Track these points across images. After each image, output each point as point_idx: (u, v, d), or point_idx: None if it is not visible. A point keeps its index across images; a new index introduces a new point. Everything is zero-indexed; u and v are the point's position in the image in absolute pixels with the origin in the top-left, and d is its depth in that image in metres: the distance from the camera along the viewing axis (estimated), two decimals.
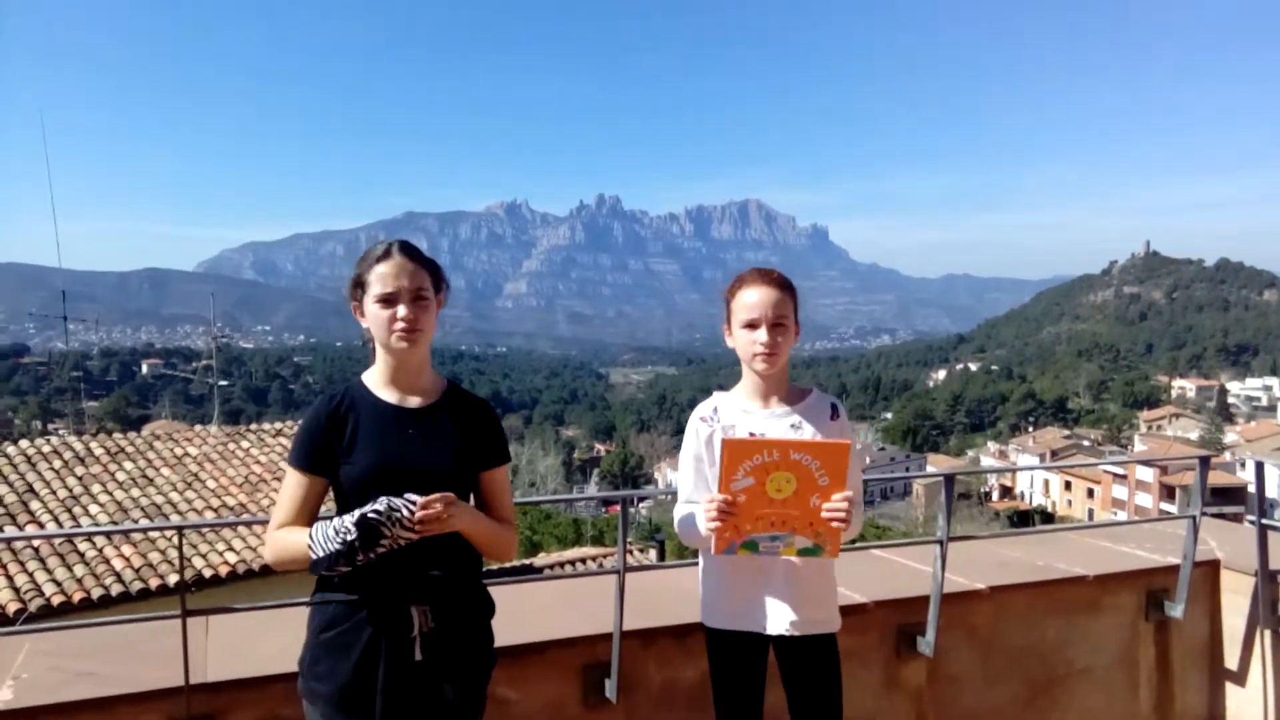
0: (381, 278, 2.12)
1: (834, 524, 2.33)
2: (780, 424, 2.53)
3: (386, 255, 2.14)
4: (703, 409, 2.63)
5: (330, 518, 2.08)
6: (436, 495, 2.00)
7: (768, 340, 2.46)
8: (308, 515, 2.17)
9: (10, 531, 10.93)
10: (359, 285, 2.16)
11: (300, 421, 2.25)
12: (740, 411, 2.58)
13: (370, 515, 1.96)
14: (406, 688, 2.10)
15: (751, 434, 2.49)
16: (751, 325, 2.49)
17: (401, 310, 2.11)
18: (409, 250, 2.17)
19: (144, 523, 11.46)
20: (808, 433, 2.50)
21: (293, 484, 2.17)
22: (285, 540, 2.13)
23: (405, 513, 1.98)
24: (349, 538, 1.96)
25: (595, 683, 3.16)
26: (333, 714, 2.11)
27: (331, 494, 2.21)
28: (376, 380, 2.22)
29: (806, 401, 2.58)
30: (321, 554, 2.00)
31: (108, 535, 11.09)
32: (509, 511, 2.32)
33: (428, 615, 2.11)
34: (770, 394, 2.56)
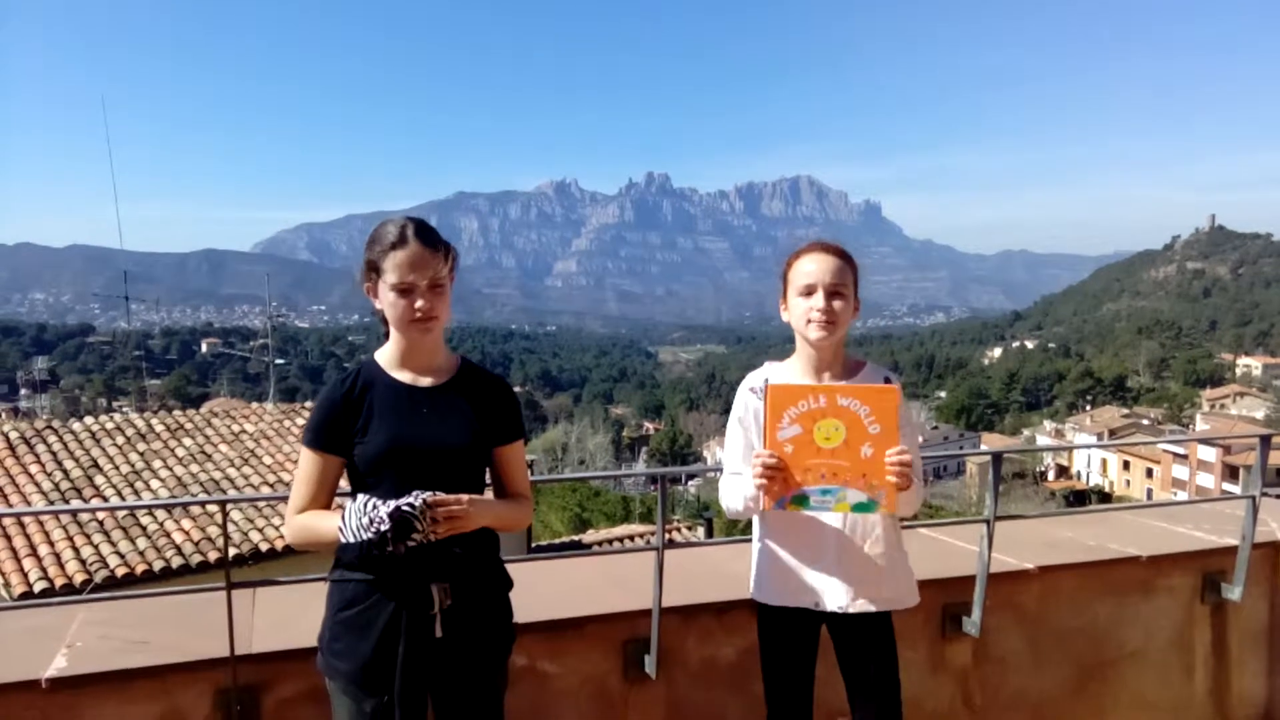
0: (398, 267, 2.08)
1: (890, 477, 2.24)
2: None
3: (401, 242, 2.08)
4: (752, 379, 2.57)
5: (354, 496, 2.07)
6: (454, 497, 2.01)
7: (824, 305, 2.38)
8: (326, 495, 2.18)
9: (76, 504, 11.30)
10: (373, 269, 2.13)
11: (314, 402, 2.27)
12: (791, 381, 2.49)
13: (405, 509, 1.97)
14: (426, 664, 2.12)
15: None
16: (808, 291, 2.41)
17: (420, 302, 2.10)
18: (423, 235, 2.11)
19: (193, 497, 11.74)
20: None
21: (309, 464, 2.17)
22: (311, 524, 2.14)
23: (441, 510, 2.00)
24: (383, 528, 1.96)
25: (635, 658, 3.17)
26: (354, 691, 2.13)
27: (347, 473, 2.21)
28: (389, 360, 2.22)
29: (860, 374, 2.50)
30: (353, 539, 2.01)
31: (169, 510, 11.41)
32: (523, 486, 2.33)
33: (447, 592, 2.12)
34: (824, 367, 2.48)
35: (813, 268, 2.41)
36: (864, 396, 2.26)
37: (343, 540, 2.03)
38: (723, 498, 2.56)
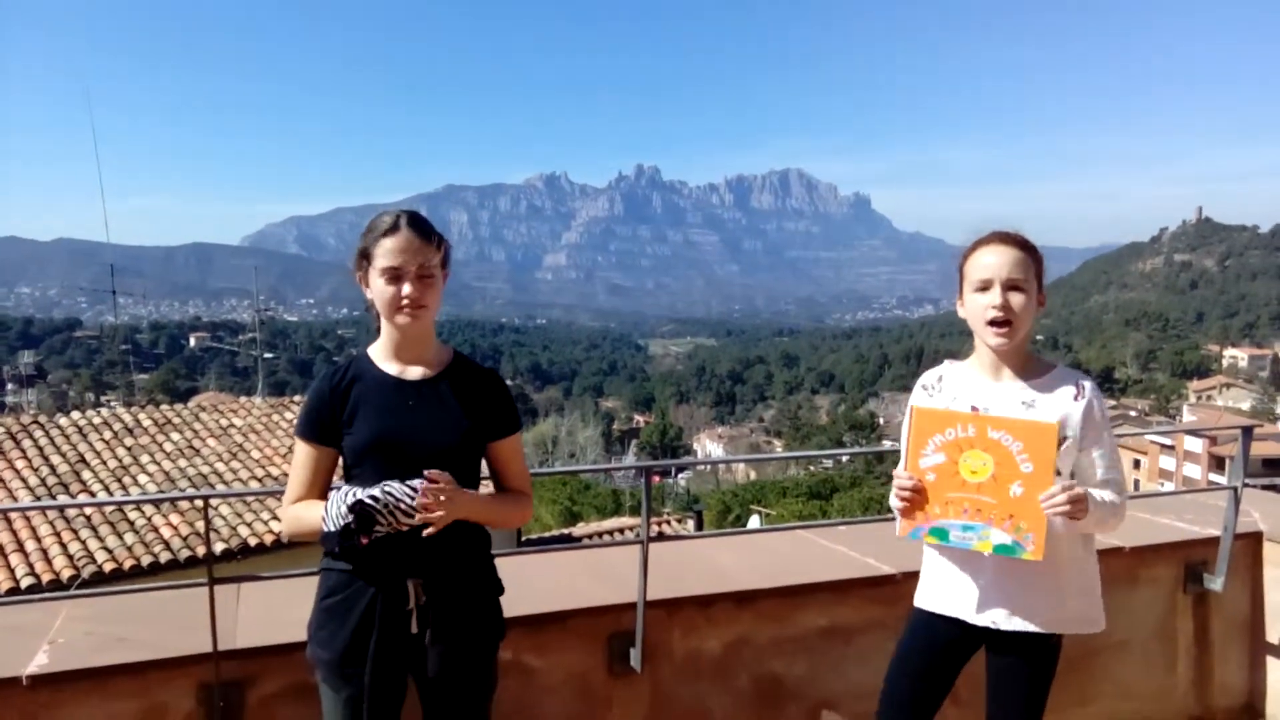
0: (388, 253, 2.10)
1: (1054, 517, 2.08)
2: (1010, 399, 2.25)
3: (394, 229, 2.11)
4: (927, 377, 2.43)
5: (339, 488, 2.09)
6: (435, 486, 2.00)
7: (1001, 302, 2.19)
8: (320, 486, 2.19)
9: (63, 500, 11.24)
10: (365, 257, 2.14)
11: (306, 394, 2.28)
12: (967, 382, 2.34)
13: (366, 501, 1.98)
14: (398, 659, 2.12)
15: (974, 408, 2.24)
16: (984, 287, 2.22)
17: (407, 288, 2.10)
18: (416, 224, 2.13)
19: (174, 492, 11.69)
20: (1042, 412, 2.21)
21: (302, 456, 2.20)
22: (300, 514, 2.17)
23: (407, 502, 1.99)
24: (347, 520, 1.98)
25: (620, 652, 3.17)
26: (332, 679, 2.15)
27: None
28: (380, 353, 2.22)
29: (1047, 377, 2.28)
30: (332, 528, 2.02)
31: (156, 505, 11.36)
32: (522, 480, 2.32)
33: (421, 588, 2.12)
34: (1003, 368, 2.29)
35: (991, 260, 2.23)
36: (1018, 431, 2.11)
37: (324, 529, 2.04)
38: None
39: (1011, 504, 2.11)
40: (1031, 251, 2.26)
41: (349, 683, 2.11)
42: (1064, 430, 2.19)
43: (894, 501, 2.26)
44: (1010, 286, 2.21)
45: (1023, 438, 2.11)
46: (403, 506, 1.99)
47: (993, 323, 2.22)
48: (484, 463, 2.29)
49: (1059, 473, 2.18)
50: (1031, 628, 2.27)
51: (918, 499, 2.19)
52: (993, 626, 2.29)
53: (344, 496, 2.02)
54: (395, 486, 2.00)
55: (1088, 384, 2.28)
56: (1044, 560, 2.20)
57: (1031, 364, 2.31)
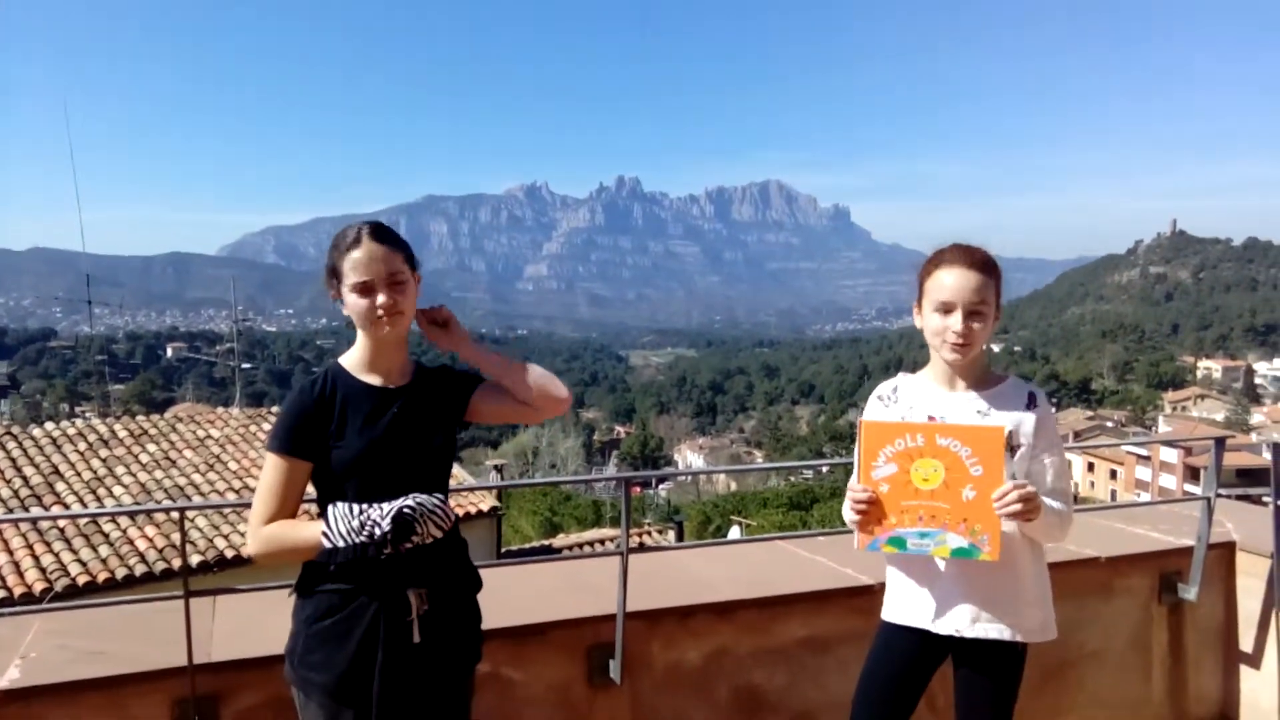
0: (356, 266, 2.09)
1: (1005, 520, 2.13)
2: (965, 409, 2.31)
3: (357, 242, 2.10)
4: (883, 388, 2.47)
5: (333, 502, 2.07)
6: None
7: (962, 329, 2.23)
8: (294, 503, 2.14)
9: (36, 512, 11.10)
10: (334, 274, 2.14)
11: (281, 407, 2.25)
12: (922, 392, 2.39)
13: (405, 510, 1.99)
14: (404, 671, 2.10)
15: (930, 418, 2.30)
16: (946, 309, 2.26)
17: (381, 298, 2.09)
18: (379, 234, 2.13)
19: (152, 504, 11.57)
20: (995, 421, 2.25)
21: (277, 471, 2.11)
22: (283, 534, 2.08)
23: (439, 513, 2.03)
24: (380, 530, 1.97)
25: (600, 664, 3.16)
26: (329, 704, 2.08)
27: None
28: (356, 363, 2.21)
29: (1000, 387, 2.34)
30: (344, 544, 1.99)
31: (131, 516, 11.24)
32: (524, 370, 2.27)
33: (424, 597, 2.10)
34: (957, 380, 2.34)
35: (953, 283, 2.25)
36: (965, 437, 2.16)
37: (328, 545, 2.00)
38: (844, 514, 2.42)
39: (965, 508, 2.16)
40: (992, 270, 2.29)
41: (350, 704, 2.06)
42: (1017, 438, 2.25)
43: (849, 515, 2.30)
44: (971, 312, 2.25)
45: (971, 442, 2.16)
46: (435, 518, 2.02)
47: (950, 345, 2.27)
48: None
49: (1014, 477, 2.22)
50: (994, 635, 2.31)
51: (873, 510, 2.22)
52: (956, 635, 2.33)
53: (356, 511, 2.00)
54: (424, 498, 2.03)
55: (1039, 395, 2.34)
56: (1004, 569, 2.26)
57: (985, 375, 2.36)
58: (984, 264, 2.28)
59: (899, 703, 2.43)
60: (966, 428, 2.20)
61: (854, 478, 2.32)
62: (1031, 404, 2.31)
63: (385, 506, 2.00)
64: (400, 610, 2.08)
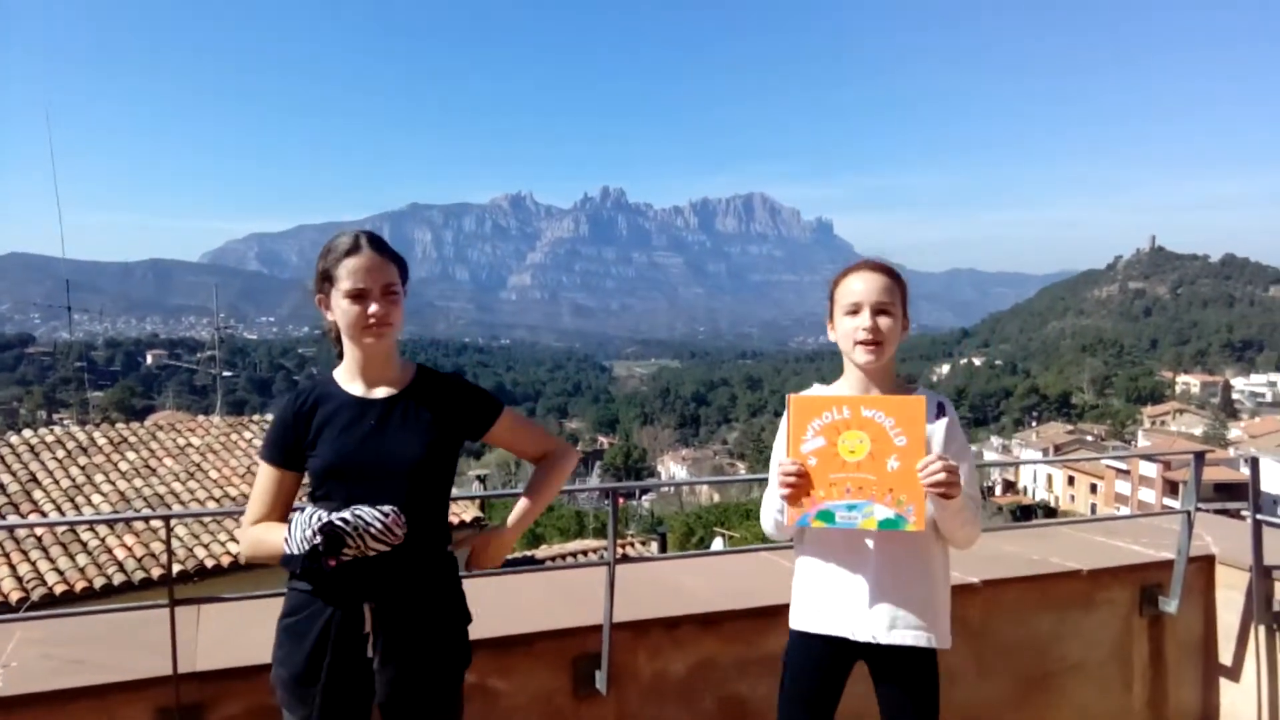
0: (352, 273, 2.10)
1: (928, 488, 2.13)
2: None
3: (355, 249, 2.11)
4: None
5: (302, 509, 2.07)
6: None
7: (870, 325, 2.28)
8: (281, 509, 2.17)
9: (12, 520, 10.97)
10: (326, 279, 2.14)
11: (272, 416, 2.27)
12: None
13: (336, 523, 1.96)
14: (351, 682, 2.09)
15: None
16: (854, 311, 2.32)
17: (374, 307, 2.10)
18: (377, 244, 2.15)
19: (135, 512, 11.48)
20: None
21: (265, 478, 2.19)
22: (261, 536, 2.14)
23: (377, 526, 1.97)
24: (315, 542, 1.96)
25: (586, 674, 3.16)
26: (288, 699, 2.13)
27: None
28: (344, 374, 2.22)
29: (911, 397, 2.33)
30: (296, 551, 2.00)
31: (110, 525, 11.13)
32: (541, 443, 2.42)
33: (374, 611, 2.09)
34: (871, 389, 2.36)
35: (859, 286, 2.32)
36: (888, 407, 2.18)
37: (287, 551, 2.02)
38: (762, 517, 2.47)
39: (890, 478, 2.17)
40: (897, 278, 2.36)
41: (303, 703, 2.09)
42: (928, 446, 2.26)
43: (777, 491, 2.28)
44: (878, 310, 2.31)
45: (894, 413, 2.17)
46: (373, 531, 1.97)
47: (862, 343, 2.31)
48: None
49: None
50: (911, 641, 2.32)
51: (803, 484, 2.23)
52: (873, 641, 2.33)
53: (309, 519, 1.99)
54: (365, 510, 1.98)
55: (948, 404, 2.37)
56: (919, 573, 2.31)
57: (897, 384, 2.40)
58: (889, 270, 2.36)
59: (824, 714, 2.43)
60: (891, 399, 2.22)
61: (782, 451, 2.34)
62: (941, 413, 2.34)
63: (326, 516, 1.98)
64: (355, 622, 2.09)
